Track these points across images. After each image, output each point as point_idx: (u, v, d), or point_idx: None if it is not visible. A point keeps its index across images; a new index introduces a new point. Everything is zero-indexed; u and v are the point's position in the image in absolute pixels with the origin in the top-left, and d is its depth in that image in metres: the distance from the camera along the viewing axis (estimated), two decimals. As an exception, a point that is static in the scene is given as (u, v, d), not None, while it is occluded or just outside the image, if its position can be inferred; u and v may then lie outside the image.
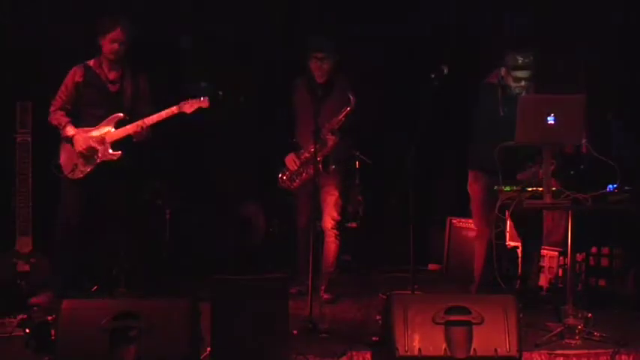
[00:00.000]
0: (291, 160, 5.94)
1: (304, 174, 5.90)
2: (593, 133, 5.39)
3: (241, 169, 7.20)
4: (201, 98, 5.58)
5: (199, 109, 5.58)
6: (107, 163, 5.59)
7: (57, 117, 5.61)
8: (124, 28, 5.51)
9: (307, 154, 5.87)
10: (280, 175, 5.99)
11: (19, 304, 5.31)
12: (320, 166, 5.66)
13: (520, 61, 5.44)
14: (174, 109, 5.57)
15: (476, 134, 5.71)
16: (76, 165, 5.59)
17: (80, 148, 5.55)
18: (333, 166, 5.83)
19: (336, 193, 5.95)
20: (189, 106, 5.57)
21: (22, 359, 4.53)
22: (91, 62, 5.64)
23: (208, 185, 7.34)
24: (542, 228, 5.80)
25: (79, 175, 5.60)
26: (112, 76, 5.64)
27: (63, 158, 5.63)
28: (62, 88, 5.62)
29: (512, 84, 5.46)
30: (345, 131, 5.82)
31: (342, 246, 6.08)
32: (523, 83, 5.45)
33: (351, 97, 5.75)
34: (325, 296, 5.88)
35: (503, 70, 5.53)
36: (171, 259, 6.72)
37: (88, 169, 5.59)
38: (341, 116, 5.77)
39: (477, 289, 5.63)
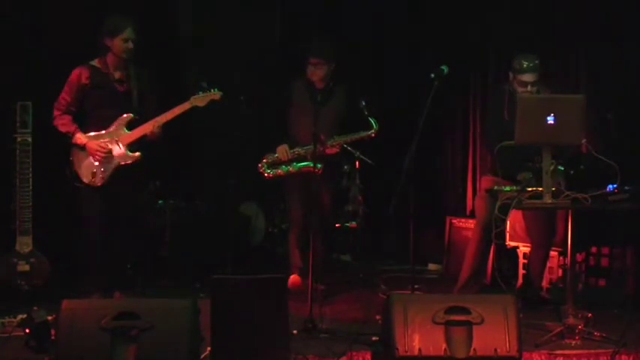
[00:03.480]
0: (283, 150, 6.02)
1: (280, 170, 6.02)
2: (592, 133, 5.39)
3: (241, 168, 7.20)
4: (212, 91, 5.57)
5: (212, 102, 5.56)
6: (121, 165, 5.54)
7: (64, 123, 5.50)
8: (134, 26, 5.48)
9: (301, 152, 5.99)
10: (264, 159, 6.06)
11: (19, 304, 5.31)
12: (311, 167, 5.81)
13: (525, 65, 5.45)
14: (186, 105, 5.54)
15: (482, 137, 5.74)
16: (94, 173, 5.49)
17: (89, 162, 5.47)
18: (320, 165, 5.86)
19: (329, 197, 6.11)
20: (201, 101, 5.55)
21: (22, 359, 4.54)
22: (95, 62, 5.56)
23: (208, 185, 7.34)
24: (554, 230, 5.78)
25: (99, 182, 5.50)
26: (117, 75, 5.56)
27: (78, 166, 5.52)
28: (66, 89, 5.52)
29: (519, 88, 5.47)
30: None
31: (342, 246, 6.12)
32: (529, 87, 5.45)
33: (374, 125, 5.89)
34: (321, 287, 5.95)
35: (510, 75, 5.55)
36: (171, 259, 6.72)
37: (108, 175, 5.50)
38: (359, 137, 5.98)
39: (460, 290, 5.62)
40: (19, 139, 5.68)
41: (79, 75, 5.51)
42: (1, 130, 5.84)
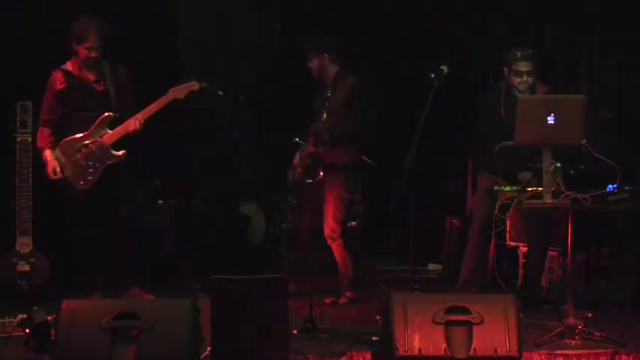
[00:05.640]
0: (296, 158, 6.00)
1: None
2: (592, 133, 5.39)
3: (240, 169, 7.21)
4: (190, 82, 5.56)
5: (191, 93, 5.55)
6: (110, 165, 5.55)
7: (40, 138, 5.56)
8: (97, 33, 5.44)
9: (301, 155, 5.94)
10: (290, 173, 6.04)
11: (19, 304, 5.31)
12: (302, 170, 5.82)
13: (519, 55, 5.46)
14: (167, 97, 5.53)
15: (478, 135, 5.74)
16: (83, 175, 5.51)
17: (74, 165, 5.48)
18: (321, 173, 5.79)
19: (335, 202, 5.84)
20: (180, 92, 5.54)
21: (22, 359, 4.54)
22: (69, 66, 5.56)
23: (208, 185, 7.34)
24: (550, 229, 5.78)
25: (89, 185, 5.51)
26: (92, 76, 5.56)
27: (68, 173, 5.54)
28: (44, 98, 5.56)
29: (515, 80, 5.47)
30: (340, 137, 5.74)
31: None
32: (525, 77, 5.45)
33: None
34: (350, 294, 5.93)
35: (505, 70, 5.55)
36: (171, 259, 6.72)
37: (97, 177, 5.51)
38: (321, 122, 5.70)
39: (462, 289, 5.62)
40: (19, 139, 5.69)
41: (54, 81, 5.54)
42: (1, 130, 5.84)
